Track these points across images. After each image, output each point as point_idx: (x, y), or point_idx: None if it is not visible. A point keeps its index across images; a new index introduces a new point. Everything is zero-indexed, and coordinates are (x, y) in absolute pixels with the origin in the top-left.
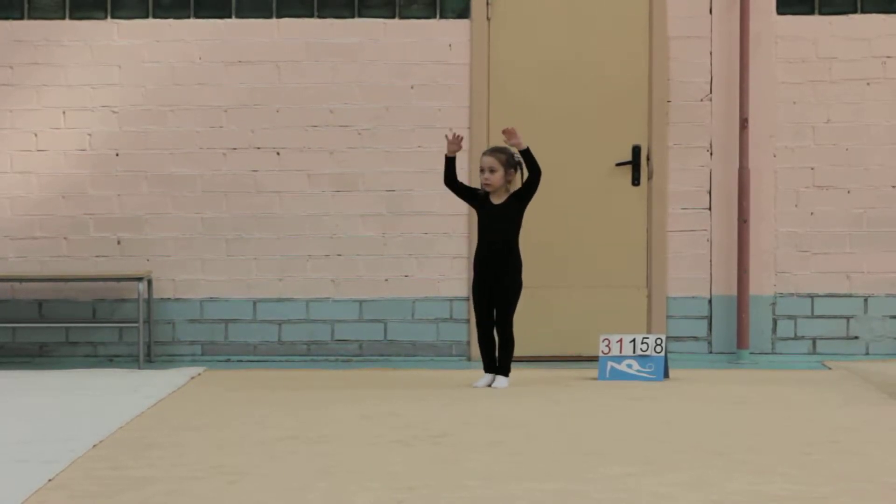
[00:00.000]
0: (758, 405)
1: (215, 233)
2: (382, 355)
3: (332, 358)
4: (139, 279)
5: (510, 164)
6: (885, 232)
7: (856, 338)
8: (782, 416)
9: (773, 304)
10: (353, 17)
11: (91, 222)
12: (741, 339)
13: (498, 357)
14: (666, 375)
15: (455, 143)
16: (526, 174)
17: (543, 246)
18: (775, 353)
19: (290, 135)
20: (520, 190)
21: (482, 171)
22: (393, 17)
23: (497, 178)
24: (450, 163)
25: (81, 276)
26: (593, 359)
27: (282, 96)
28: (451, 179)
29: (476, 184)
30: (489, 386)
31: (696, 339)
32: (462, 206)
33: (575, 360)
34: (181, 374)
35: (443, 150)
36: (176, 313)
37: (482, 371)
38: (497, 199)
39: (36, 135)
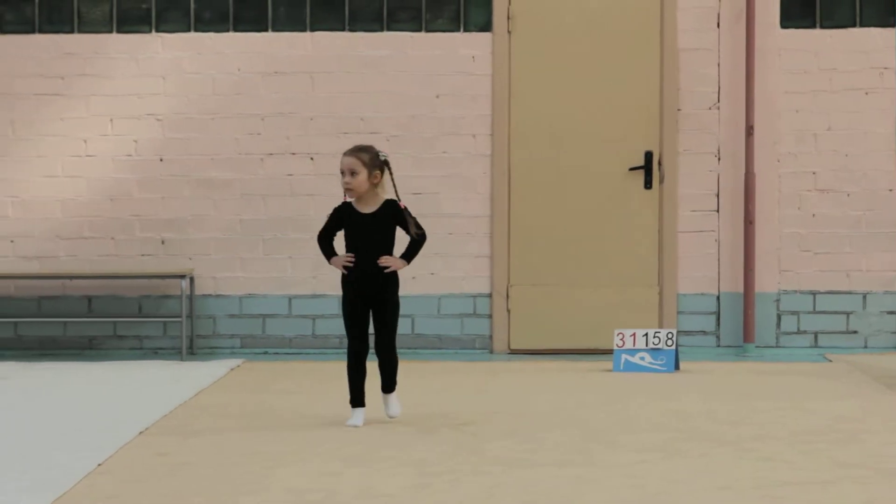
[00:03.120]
0: (763, 396)
1: (253, 233)
2: (410, 348)
3: None
4: (182, 277)
5: (374, 164)
6: (883, 233)
7: (855, 332)
8: (786, 406)
9: (778, 300)
10: (382, 30)
11: (137, 223)
12: (747, 334)
13: (383, 376)
14: (676, 367)
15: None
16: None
17: (561, 245)
18: (779, 347)
19: (324, 141)
20: (402, 221)
21: (342, 173)
22: (420, 30)
23: (359, 181)
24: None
25: (128, 273)
26: (608, 352)
27: (315, 105)
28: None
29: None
30: (390, 416)
31: (704, 333)
32: (485, 208)
33: (591, 353)
34: (221, 365)
35: (466, 156)
36: (216, 309)
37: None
38: (366, 207)
39: (85, 141)
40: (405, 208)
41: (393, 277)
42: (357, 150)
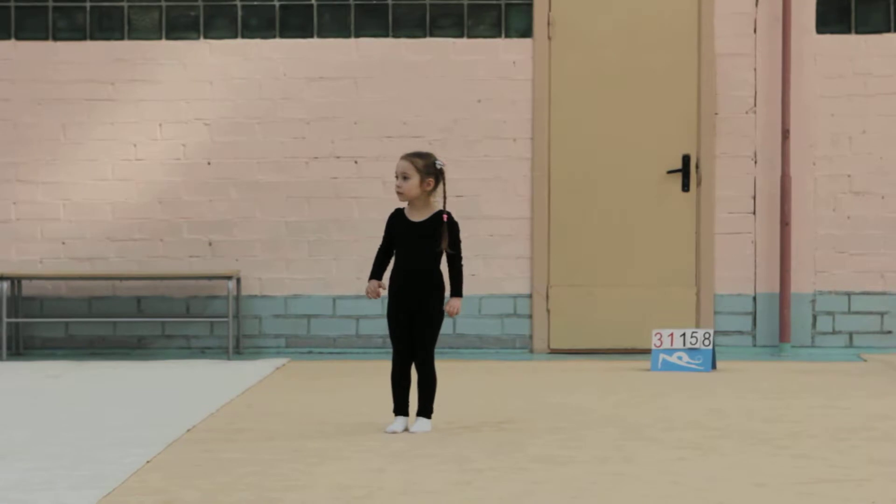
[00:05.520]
0: (799, 394)
1: (298, 235)
2: (452, 348)
3: None
4: (229, 278)
5: (428, 171)
6: None
7: (889, 332)
8: (821, 405)
9: (813, 300)
10: (424, 36)
11: (185, 225)
12: (783, 334)
13: (418, 398)
14: (713, 367)
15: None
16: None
17: (600, 247)
18: (815, 347)
19: (367, 145)
20: (449, 239)
21: (396, 177)
22: (462, 36)
23: (410, 186)
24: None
25: (176, 274)
26: (646, 351)
27: (359, 109)
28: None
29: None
30: (406, 430)
31: (741, 333)
32: (525, 210)
33: (629, 353)
34: (267, 364)
35: (507, 159)
36: (262, 309)
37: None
38: (416, 216)
39: (135, 145)
40: (453, 222)
41: (436, 291)
42: (413, 155)
